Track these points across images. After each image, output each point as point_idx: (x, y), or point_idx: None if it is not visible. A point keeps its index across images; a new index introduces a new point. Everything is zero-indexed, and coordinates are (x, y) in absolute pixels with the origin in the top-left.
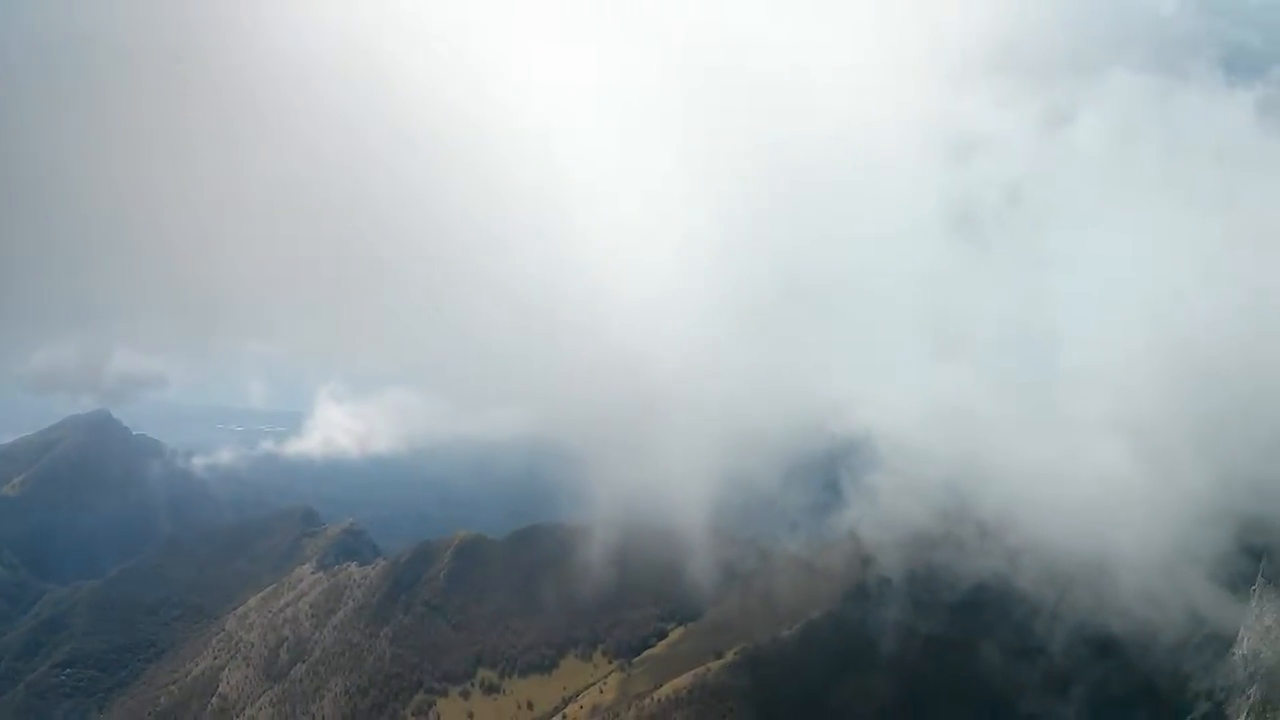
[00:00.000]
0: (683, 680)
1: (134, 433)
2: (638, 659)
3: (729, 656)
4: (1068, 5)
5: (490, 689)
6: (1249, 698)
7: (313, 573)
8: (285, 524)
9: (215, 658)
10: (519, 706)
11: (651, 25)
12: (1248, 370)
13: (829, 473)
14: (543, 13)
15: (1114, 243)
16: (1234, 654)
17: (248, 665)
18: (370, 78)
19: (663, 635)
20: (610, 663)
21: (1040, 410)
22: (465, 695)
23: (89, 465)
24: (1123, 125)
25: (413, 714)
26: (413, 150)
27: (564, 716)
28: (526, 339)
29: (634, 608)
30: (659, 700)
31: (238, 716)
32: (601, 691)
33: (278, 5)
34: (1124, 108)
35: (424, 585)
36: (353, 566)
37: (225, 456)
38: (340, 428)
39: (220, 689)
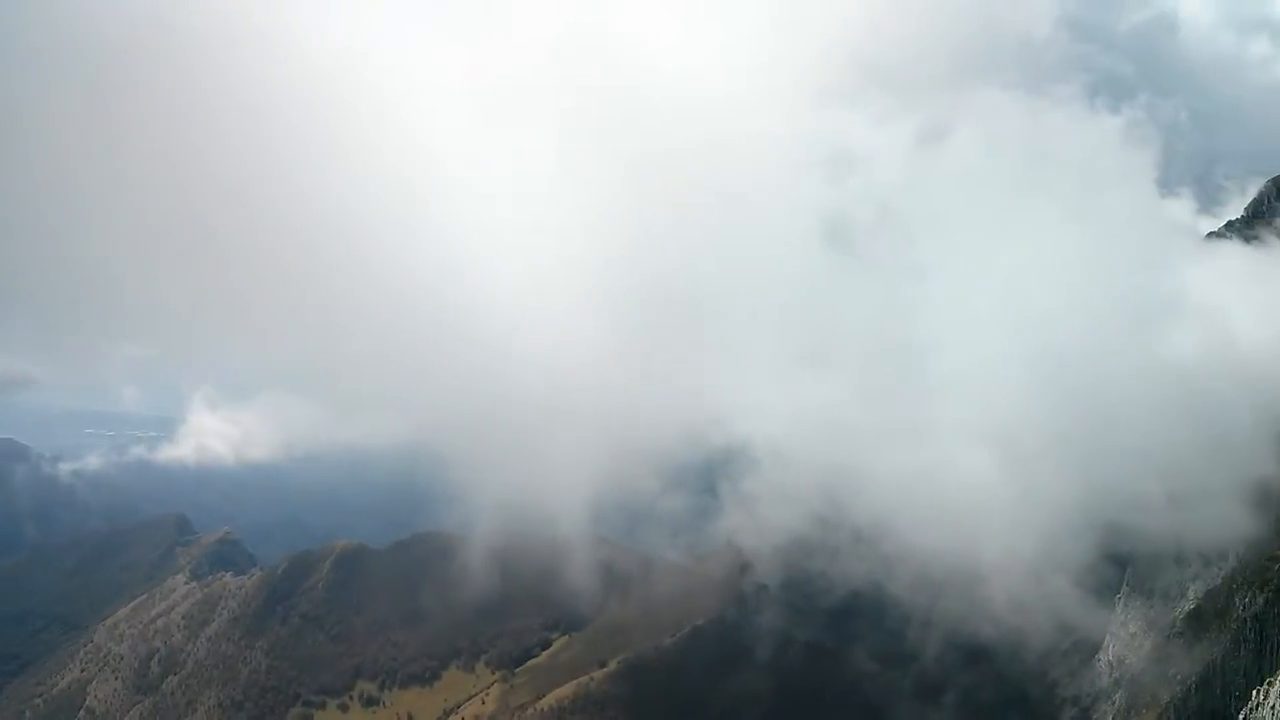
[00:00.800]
0: (565, 690)
1: None
2: (520, 669)
3: (611, 666)
4: (944, 27)
5: (370, 701)
6: (1114, 703)
7: (186, 583)
8: (157, 532)
9: (83, 670)
10: (399, 719)
11: (530, 29)
12: (1108, 380)
13: (708, 480)
14: (422, 11)
15: (983, 255)
16: (1099, 660)
17: (117, 678)
18: (237, 78)
19: (546, 645)
20: (493, 673)
21: (911, 419)
22: (344, 708)
23: None
24: (993, 142)
25: None
26: (288, 151)
27: None
28: (406, 344)
29: (517, 617)
30: (541, 711)
31: None
32: (483, 703)
33: None
34: (995, 125)
35: (302, 596)
36: (228, 576)
37: (95, 462)
38: (215, 433)
39: (88, 703)
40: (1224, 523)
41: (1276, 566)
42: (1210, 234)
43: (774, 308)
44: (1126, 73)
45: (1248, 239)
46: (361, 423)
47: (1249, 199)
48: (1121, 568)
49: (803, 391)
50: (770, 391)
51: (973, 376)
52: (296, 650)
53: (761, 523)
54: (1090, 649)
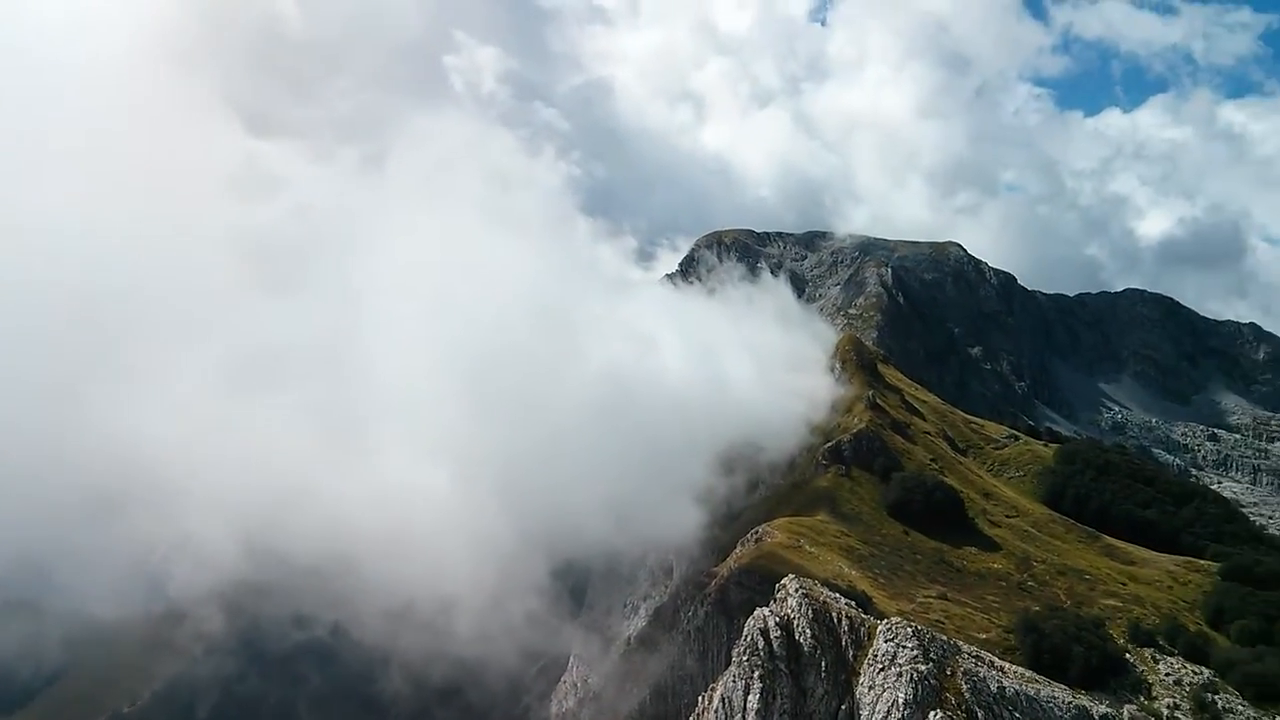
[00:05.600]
0: None
1: None
2: None
3: None
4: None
5: None
6: None
7: None
8: None
9: None
10: None
11: None
12: (552, 404)
13: (130, 524)
14: None
15: (424, 282)
16: (565, 682)
17: None
18: None
19: None
20: None
21: (357, 444)
22: None
23: None
24: (434, 177)
25: None
26: None
27: None
28: None
29: None
30: None
31: None
32: None
33: None
34: (430, 151)
35: None
36: None
37: None
38: None
39: None
40: (668, 541)
41: (714, 581)
42: (647, 279)
43: (201, 336)
44: (565, 129)
45: (679, 286)
46: None
47: (682, 254)
48: (580, 590)
49: (236, 422)
50: (198, 422)
51: (416, 398)
52: None
53: (196, 566)
54: (558, 671)
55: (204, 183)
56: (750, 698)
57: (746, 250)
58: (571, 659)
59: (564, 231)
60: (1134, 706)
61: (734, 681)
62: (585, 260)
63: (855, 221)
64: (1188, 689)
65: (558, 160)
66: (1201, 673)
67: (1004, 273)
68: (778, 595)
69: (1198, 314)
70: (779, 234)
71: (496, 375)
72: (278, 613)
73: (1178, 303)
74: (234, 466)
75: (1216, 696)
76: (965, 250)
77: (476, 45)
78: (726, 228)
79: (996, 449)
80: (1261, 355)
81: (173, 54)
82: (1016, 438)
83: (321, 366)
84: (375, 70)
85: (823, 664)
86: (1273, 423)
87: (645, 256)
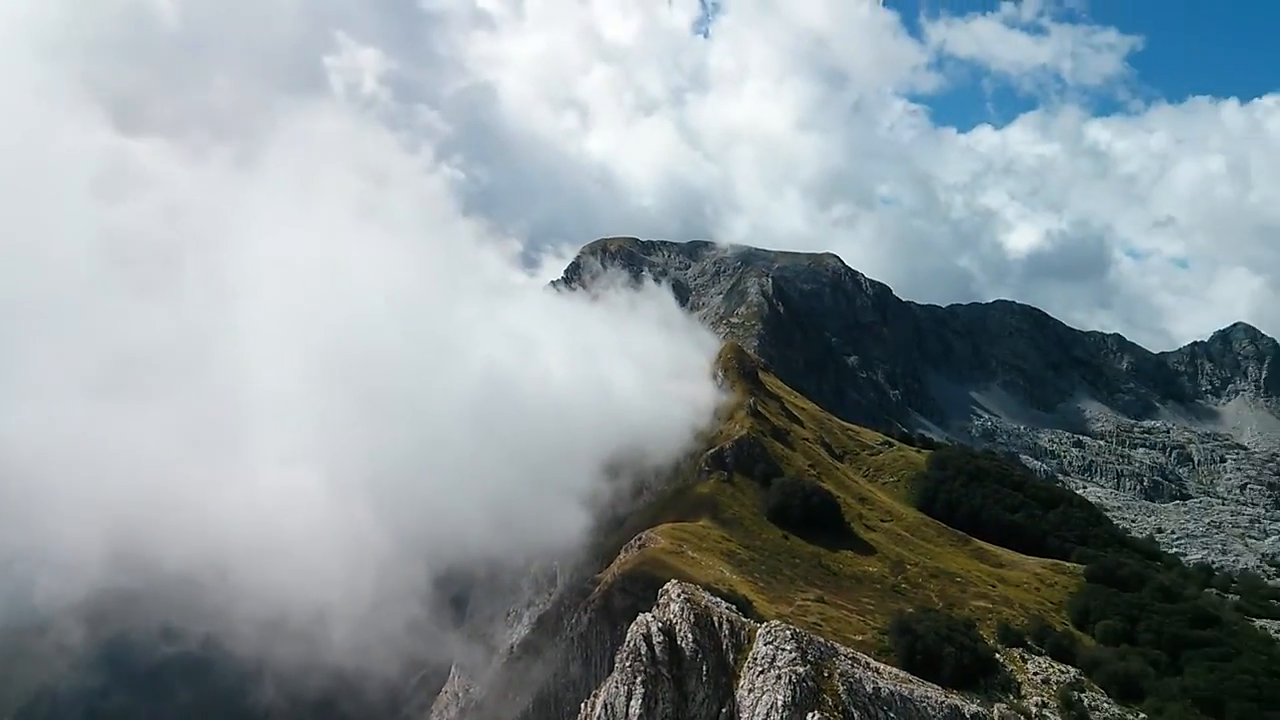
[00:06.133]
0: None
1: None
2: None
3: None
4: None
5: None
6: None
7: None
8: None
9: None
10: None
11: None
12: (429, 409)
13: None
14: None
15: (298, 284)
16: (446, 692)
17: None
18: None
19: None
20: None
21: (229, 448)
22: None
23: None
24: (310, 176)
25: None
26: None
27: None
28: None
29: None
30: None
31: None
32: None
33: None
34: (307, 151)
35: None
36: None
37: None
38: None
39: None
40: (552, 547)
41: (597, 588)
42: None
43: (64, 336)
44: (448, 132)
45: (563, 293)
46: None
47: (566, 260)
48: (462, 598)
49: (103, 426)
50: (63, 427)
51: (289, 401)
52: None
53: (60, 576)
54: (439, 682)
55: (68, 181)
56: (632, 703)
57: (631, 258)
58: (453, 668)
59: (445, 234)
60: (1004, 705)
61: (616, 688)
62: (467, 263)
63: (736, 232)
64: (1055, 688)
65: (439, 163)
66: (1068, 672)
67: (879, 284)
68: (660, 601)
69: (1064, 325)
70: (663, 243)
71: (373, 377)
72: (145, 624)
73: (1045, 314)
74: (100, 472)
75: (1082, 695)
76: (842, 262)
77: (357, 46)
78: (612, 236)
79: (872, 455)
80: (1124, 365)
81: (34, 43)
82: (891, 444)
83: (191, 369)
84: (252, 68)
85: (704, 668)
86: (1135, 430)
87: (530, 262)
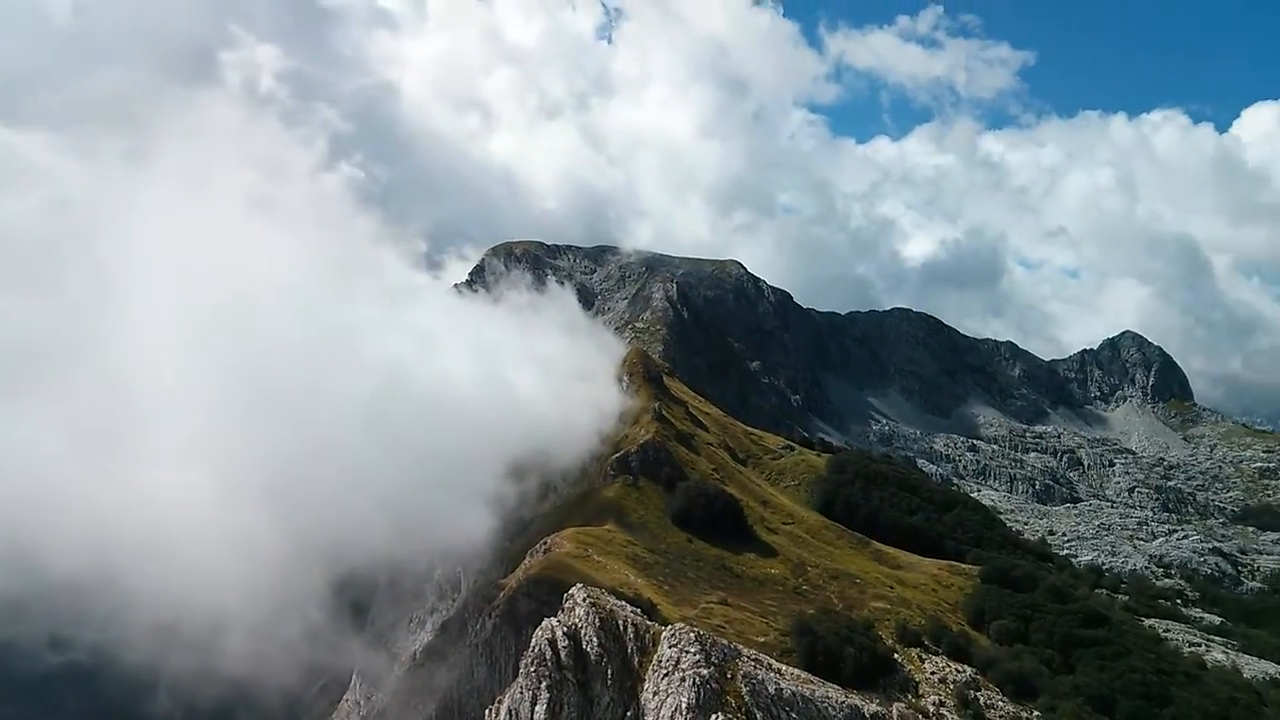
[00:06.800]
0: None
1: None
2: None
3: None
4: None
5: None
6: None
7: None
8: None
9: None
10: None
11: None
12: (324, 410)
13: None
14: None
15: (190, 283)
16: (347, 700)
17: None
18: None
19: None
20: None
21: (117, 449)
22: None
23: None
24: (200, 163)
25: None
26: None
27: None
28: None
29: None
30: None
31: None
32: None
33: None
34: (201, 146)
35: None
36: None
37: None
38: None
39: None
40: (455, 551)
41: (502, 592)
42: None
43: None
44: (348, 131)
45: (465, 294)
46: None
47: (470, 263)
48: (363, 604)
49: None
50: None
51: (179, 400)
52: None
53: None
54: (340, 690)
55: None
56: (537, 709)
57: (537, 262)
58: (354, 676)
59: (343, 232)
60: (902, 705)
61: (521, 693)
62: (366, 262)
63: (639, 236)
64: (951, 687)
65: (338, 161)
66: (964, 671)
67: (781, 290)
68: (565, 605)
69: (958, 332)
70: (569, 247)
71: (266, 376)
72: (31, 632)
73: (940, 321)
74: None
75: (978, 693)
76: (745, 268)
77: (255, 42)
78: (517, 239)
79: (774, 459)
80: (1017, 372)
81: None
82: (792, 448)
83: (77, 366)
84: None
85: (609, 672)
86: (1027, 435)
87: (433, 264)
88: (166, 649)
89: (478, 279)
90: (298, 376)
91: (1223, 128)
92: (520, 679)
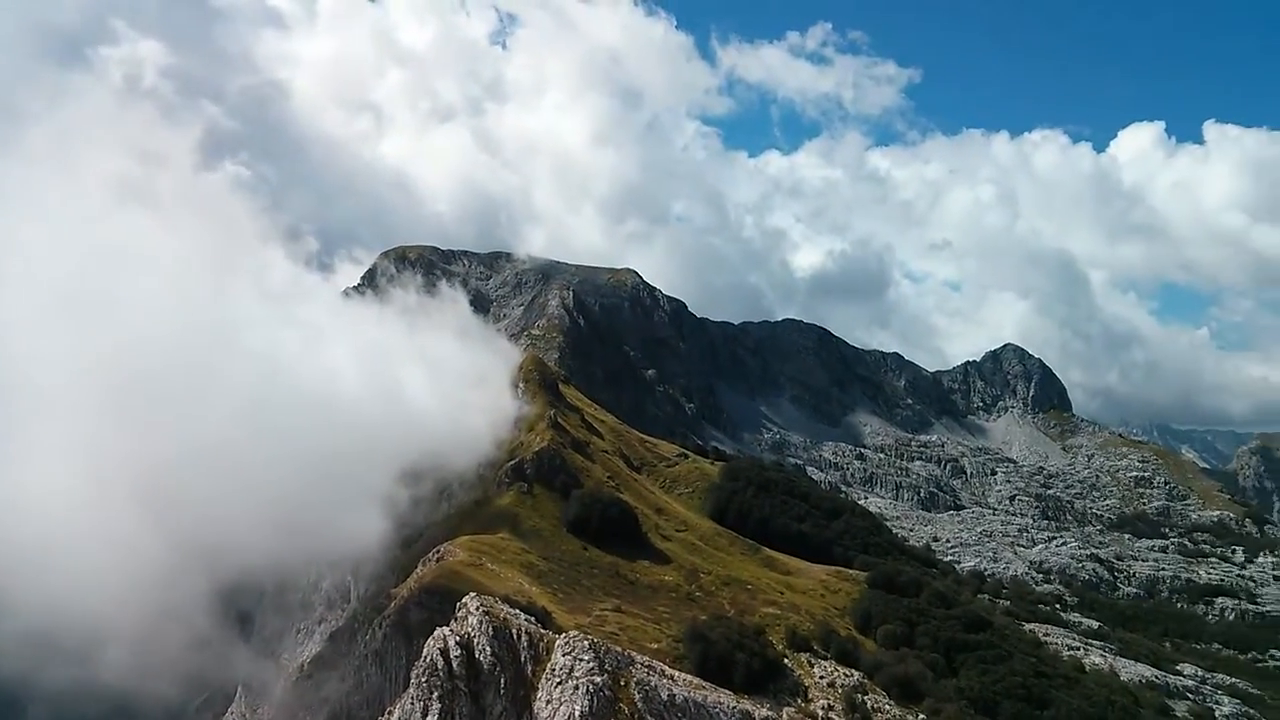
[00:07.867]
0: None
1: None
2: None
3: None
4: None
5: None
6: None
7: None
8: None
9: None
10: None
11: None
12: (206, 408)
13: None
14: None
15: (66, 273)
16: (231, 712)
17: None
18: None
19: None
20: None
21: None
22: None
23: None
24: (76, 158)
25: None
26: None
27: None
28: None
29: None
30: None
31: None
32: None
33: None
34: (78, 142)
35: None
36: None
37: None
38: None
39: None
40: (345, 559)
41: (394, 601)
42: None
43: None
44: (234, 129)
45: (353, 298)
46: None
47: (363, 266)
48: (249, 614)
49: None
50: None
51: (50, 400)
52: None
53: None
54: (225, 703)
55: None
56: (429, 719)
57: (431, 267)
58: (239, 688)
59: (227, 230)
60: (792, 709)
61: (412, 704)
62: (252, 262)
63: (533, 242)
64: (840, 691)
65: (223, 159)
66: (852, 675)
67: (676, 300)
68: (458, 614)
69: (847, 343)
70: (464, 252)
71: (144, 377)
72: None
73: (829, 332)
74: None
75: (866, 697)
76: (640, 277)
77: (138, 37)
78: (411, 243)
79: (668, 467)
80: (902, 382)
81: None
82: (686, 456)
83: None
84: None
85: (502, 681)
86: (912, 444)
87: (323, 266)
88: (42, 661)
89: (369, 283)
90: (177, 373)
91: (1100, 147)
92: (411, 690)
